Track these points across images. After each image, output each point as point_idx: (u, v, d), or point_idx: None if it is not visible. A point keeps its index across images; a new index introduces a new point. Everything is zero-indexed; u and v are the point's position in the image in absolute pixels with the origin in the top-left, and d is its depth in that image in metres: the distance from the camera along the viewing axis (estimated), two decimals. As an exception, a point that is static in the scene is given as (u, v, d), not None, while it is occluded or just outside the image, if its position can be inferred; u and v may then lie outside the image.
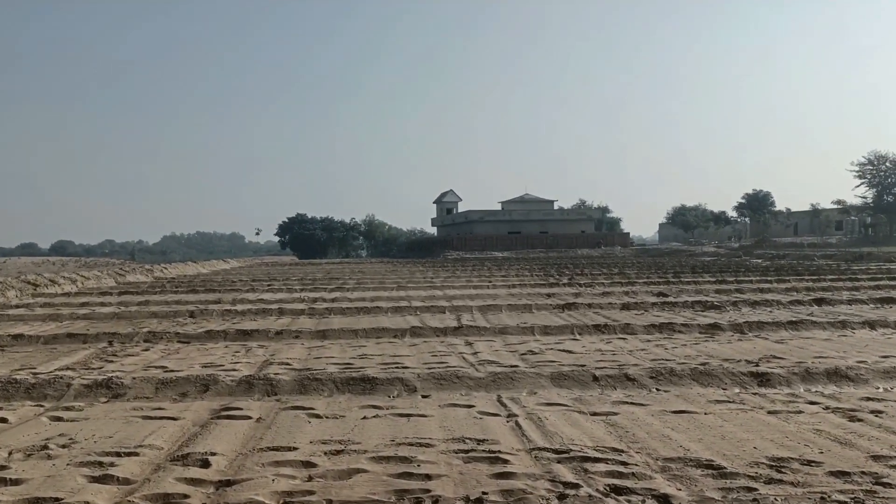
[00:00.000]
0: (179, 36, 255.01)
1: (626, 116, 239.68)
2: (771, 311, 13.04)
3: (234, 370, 7.58)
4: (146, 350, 9.34)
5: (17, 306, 16.50)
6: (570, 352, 8.57)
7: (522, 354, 8.43)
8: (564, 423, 5.25)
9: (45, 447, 4.71)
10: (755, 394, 6.16)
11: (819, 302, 14.24)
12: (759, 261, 42.01)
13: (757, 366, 7.28)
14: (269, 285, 23.98)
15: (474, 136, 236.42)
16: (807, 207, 79.87)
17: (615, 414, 5.51)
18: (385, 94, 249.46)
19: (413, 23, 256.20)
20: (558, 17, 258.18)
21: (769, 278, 22.47)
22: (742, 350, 8.50)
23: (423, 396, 6.29)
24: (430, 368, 7.48)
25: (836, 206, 66.00)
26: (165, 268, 36.21)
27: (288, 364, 7.98)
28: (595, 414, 5.52)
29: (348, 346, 9.49)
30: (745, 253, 53.39)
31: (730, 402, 5.86)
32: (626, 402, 5.88)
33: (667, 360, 7.82)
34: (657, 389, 6.39)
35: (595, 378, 6.66)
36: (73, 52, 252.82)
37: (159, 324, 12.48)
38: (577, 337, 9.94)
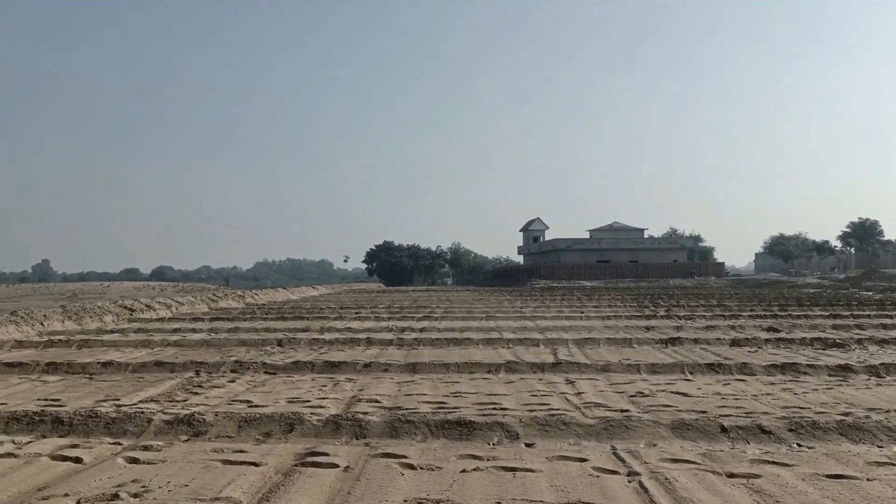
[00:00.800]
0: (261, 63, 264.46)
1: (718, 144, 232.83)
2: (904, 352, 11.75)
3: (321, 407, 7.10)
4: (232, 381, 9.01)
5: (112, 331, 16.71)
6: (685, 394, 7.72)
7: (631, 396, 7.64)
8: (698, 487, 4.48)
9: (116, 496, 4.29)
10: (922, 455, 5.21)
11: (959, 341, 12.79)
12: (870, 293, 39.33)
13: (911, 419, 6.28)
14: (356, 313, 23.77)
15: (562, 163, 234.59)
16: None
17: (757, 476, 4.69)
18: (473, 119, 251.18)
19: (500, 48, 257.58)
20: (651, 42, 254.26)
21: (890, 313, 20.71)
22: (887, 397, 7.45)
23: (527, 445, 5.62)
24: (531, 410, 6.80)
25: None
26: (256, 294, 36.73)
27: (377, 401, 7.46)
28: (732, 475, 4.72)
29: (440, 381, 8.91)
30: (852, 285, 50.28)
31: (892, 464, 4.94)
32: (767, 461, 5.04)
33: (801, 407, 6.89)
34: (799, 445, 5.51)
35: (723, 429, 5.83)
36: (172, 79, 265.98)
37: (247, 352, 12.24)
38: (690, 377, 9.05)
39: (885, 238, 71.20)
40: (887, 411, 6.63)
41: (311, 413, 6.57)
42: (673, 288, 54.01)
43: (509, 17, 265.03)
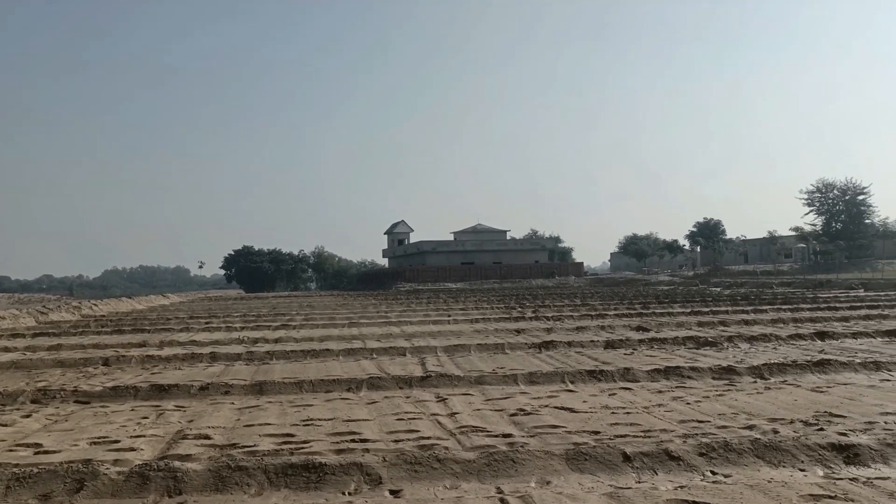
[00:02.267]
0: (110, 71, 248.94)
1: (575, 147, 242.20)
2: (776, 349, 11.54)
3: (132, 450, 5.60)
4: (28, 416, 7.26)
5: None
6: (571, 410, 6.81)
7: (512, 415, 6.64)
8: (614, 548, 3.46)
9: None
10: (853, 479, 4.47)
11: (822, 336, 12.81)
12: (718, 289, 41.17)
13: (821, 429, 5.63)
14: (206, 323, 21.75)
15: (425, 166, 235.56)
16: (755, 236, 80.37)
17: (682, 525, 3.74)
18: (332, 122, 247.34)
19: (357, 50, 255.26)
20: (505, 48, 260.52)
21: (745, 308, 21.20)
22: (782, 403, 6.85)
23: (393, 493, 4.45)
24: (397, 441, 5.64)
25: (793, 234, 66.18)
26: (96, 304, 33.47)
27: (207, 437, 6.03)
28: (652, 525, 3.75)
29: (290, 405, 7.56)
30: (701, 281, 52.75)
31: (830, 496, 4.14)
32: (687, 501, 4.11)
33: (699, 421, 6.12)
34: (713, 473, 4.66)
35: (626, 457, 4.89)
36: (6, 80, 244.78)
37: (62, 376, 10.34)
38: (572, 387, 8.19)
39: (727, 237, 75.79)
40: (791, 422, 5.97)
41: (115, 461, 5.09)
42: (536, 288, 54.64)
43: (361, 18, 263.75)
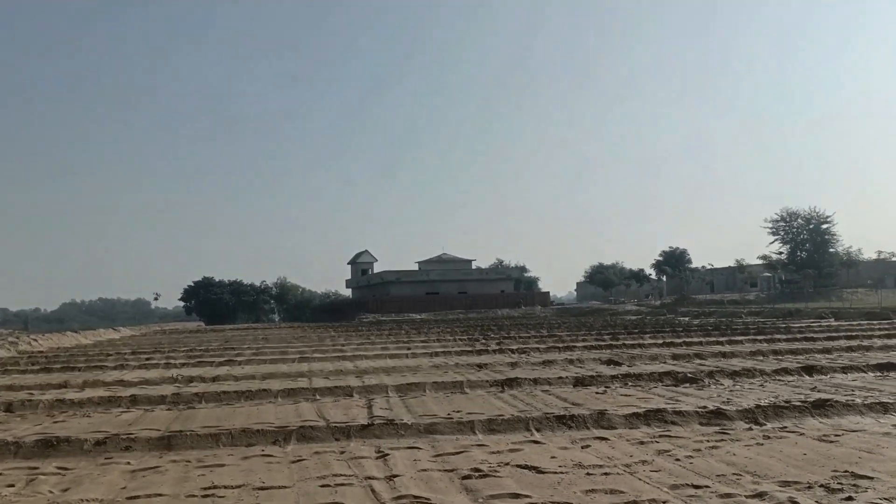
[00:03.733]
0: (64, 94, 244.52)
1: (537, 176, 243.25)
2: (762, 386, 10.46)
3: (-39, 539, 4.25)
4: None
5: None
6: (537, 470, 5.58)
7: (465, 478, 5.39)
8: None
9: None
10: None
11: (809, 370, 11.79)
12: (687, 319, 40.45)
13: (849, 498, 4.49)
14: (147, 359, 20.17)
15: (389, 195, 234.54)
16: (720, 264, 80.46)
17: None
18: (293, 150, 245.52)
19: (322, 82, 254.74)
20: (466, 78, 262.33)
21: (719, 339, 20.24)
22: (790, 459, 5.70)
23: None
24: (313, 521, 4.36)
25: (761, 262, 66.13)
26: (35, 339, 31.47)
27: (71, 517, 4.69)
28: None
29: (197, 465, 6.22)
30: (668, 311, 52.11)
31: None
32: None
33: (695, 485, 4.94)
34: (727, 570, 3.46)
35: (610, 548, 3.67)
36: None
37: (-55, 426, 8.84)
38: (538, 436, 6.97)
39: (693, 266, 75.77)
40: (808, 486, 4.82)
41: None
42: (502, 318, 53.54)
43: (323, 48, 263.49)
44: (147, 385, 13.12)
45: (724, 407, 8.05)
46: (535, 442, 6.70)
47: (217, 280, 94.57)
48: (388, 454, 6.32)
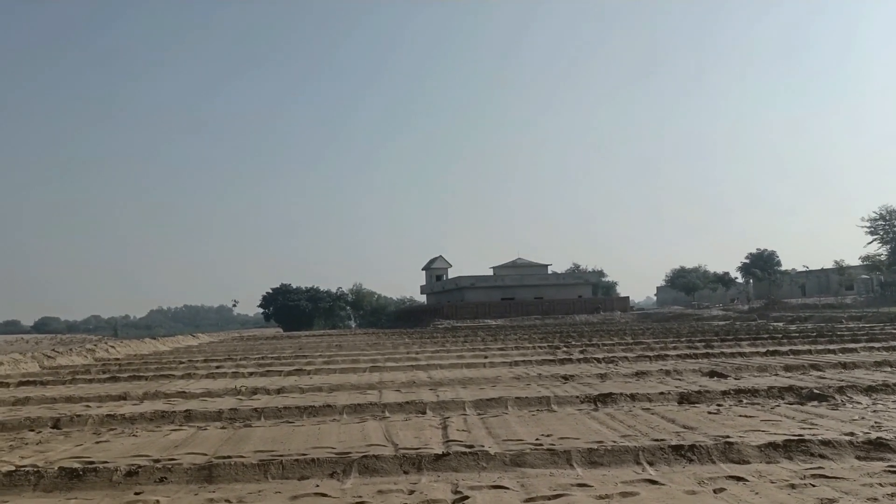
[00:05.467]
0: (153, 117, 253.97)
1: (613, 178, 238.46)
2: (910, 404, 8.79)
3: None
4: None
5: None
6: (663, 526, 4.26)
7: (569, 537, 4.11)
8: None
9: None
10: None
11: (962, 385, 9.98)
12: (781, 324, 37.84)
13: None
14: (217, 367, 19.57)
15: (463, 200, 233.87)
16: (805, 267, 76.14)
17: None
18: (366, 157, 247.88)
19: (389, 83, 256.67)
20: (540, 74, 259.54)
21: (829, 347, 18.22)
22: None
23: None
24: None
25: (863, 263, 61.94)
26: (114, 346, 31.62)
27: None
28: None
29: (237, 502, 5.15)
30: (759, 316, 49.22)
31: None
32: None
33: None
34: None
35: None
36: (45, 120, 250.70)
37: (-17, 445, 8.09)
38: (653, 473, 5.61)
39: (783, 269, 71.82)
40: None
41: None
42: (580, 324, 51.65)
43: (391, 50, 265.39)
44: (208, 398, 12.29)
45: (883, 435, 6.48)
46: (651, 482, 5.34)
47: (294, 287, 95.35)
48: (467, 496, 5.09)
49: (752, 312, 53.97)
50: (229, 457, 6.86)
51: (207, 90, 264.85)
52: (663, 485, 5.23)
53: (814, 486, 5.03)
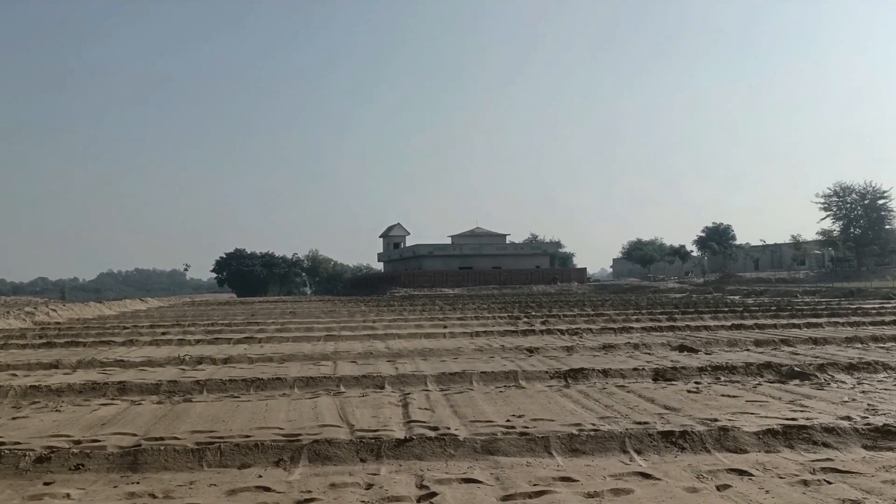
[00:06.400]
0: (100, 65, 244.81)
1: (573, 148, 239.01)
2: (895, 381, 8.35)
3: None
4: None
5: None
6: (668, 535, 3.60)
7: (560, 549, 3.42)
8: None
9: None
10: None
11: (943, 364, 9.60)
12: (737, 297, 37.98)
13: None
14: (163, 334, 18.53)
15: (422, 168, 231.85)
16: (757, 242, 77.03)
17: None
18: (327, 123, 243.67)
19: (353, 52, 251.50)
20: (503, 46, 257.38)
21: (793, 322, 17.96)
22: None
23: None
24: None
25: (820, 238, 62.64)
26: (55, 310, 30.18)
27: None
28: None
29: (163, 498, 4.36)
30: (714, 289, 49.50)
31: None
32: None
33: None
34: None
35: None
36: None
37: None
38: (643, 465, 4.97)
39: (737, 243, 72.50)
40: None
41: None
42: (538, 294, 51.45)
43: (355, 18, 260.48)
44: (148, 367, 11.38)
45: (891, 422, 5.93)
46: (644, 475, 4.69)
47: (249, 252, 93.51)
48: (434, 493, 4.37)
49: (707, 286, 54.29)
50: (161, 438, 6.04)
51: (162, 52, 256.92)
52: (658, 479, 4.59)
53: (829, 482, 4.43)
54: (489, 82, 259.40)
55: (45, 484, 4.80)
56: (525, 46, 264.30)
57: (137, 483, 4.78)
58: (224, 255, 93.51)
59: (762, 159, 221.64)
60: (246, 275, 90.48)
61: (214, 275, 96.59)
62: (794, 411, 6.70)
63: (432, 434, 5.86)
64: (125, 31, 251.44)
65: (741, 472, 4.69)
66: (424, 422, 6.54)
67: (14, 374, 10.73)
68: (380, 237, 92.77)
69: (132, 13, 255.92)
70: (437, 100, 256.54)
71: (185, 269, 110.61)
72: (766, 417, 6.43)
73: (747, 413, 6.68)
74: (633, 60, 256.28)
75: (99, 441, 5.99)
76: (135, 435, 6.24)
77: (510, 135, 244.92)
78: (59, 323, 25.93)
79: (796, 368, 9.23)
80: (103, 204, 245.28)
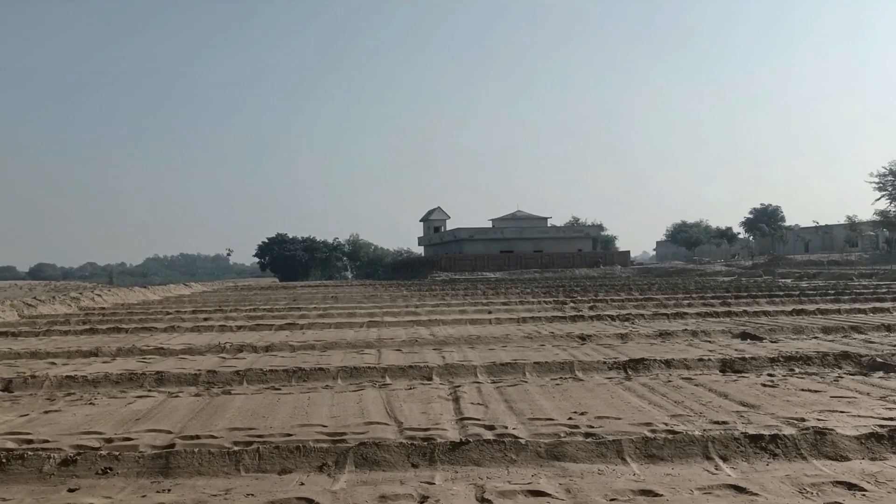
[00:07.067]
0: (146, 55, 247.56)
1: (614, 131, 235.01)
2: None
3: None
4: None
5: None
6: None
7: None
8: None
9: None
10: None
11: None
12: (789, 281, 36.71)
13: None
14: (205, 319, 18.36)
15: (462, 151, 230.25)
16: (813, 223, 74.72)
17: None
18: (367, 108, 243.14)
19: (393, 36, 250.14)
20: (550, 28, 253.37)
21: (859, 307, 17.01)
22: None
23: None
24: None
25: (878, 219, 60.43)
26: (100, 295, 30.35)
27: None
28: None
29: (195, 514, 3.92)
30: (764, 272, 48.06)
31: None
32: None
33: None
34: None
35: None
36: (42, 71, 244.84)
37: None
38: (732, 474, 4.38)
39: (787, 224, 70.47)
40: None
41: None
42: (582, 278, 50.49)
43: (396, 10, 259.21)
44: (188, 355, 11.05)
45: None
46: (737, 488, 4.10)
47: (291, 237, 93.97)
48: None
49: (756, 268, 52.80)
50: (197, 437, 5.62)
51: (216, 44, 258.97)
52: (755, 494, 3.99)
53: (961, 501, 3.79)
54: (530, 65, 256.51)
55: (70, 491, 4.39)
56: (567, 24, 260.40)
57: (168, 491, 4.35)
58: (266, 240, 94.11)
59: (805, 140, 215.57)
60: (288, 259, 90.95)
61: (257, 259, 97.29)
62: (890, 409, 6.02)
63: (489, 435, 5.33)
64: (166, 31, 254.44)
65: (850, 486, 4.08)
66: (478, 419, 6.02)
67: (53, 363, 10.49)
68: (420, 221, 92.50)
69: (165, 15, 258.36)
70: (475, 85, 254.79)
71: (228, 254, 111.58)
72: (859, 417, 5.77)
73: (836, 411, 6.02)
74: (677, 36, 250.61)
75: (131, 439, 5.59)
76: (170, 432, 5.84)
77: (549, 118, 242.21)
78: (103, 308, 26.02)
79: (878, 359, 8.49)
80: (149, 191, 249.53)
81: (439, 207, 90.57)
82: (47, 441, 5.63)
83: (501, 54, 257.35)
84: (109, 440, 5.63)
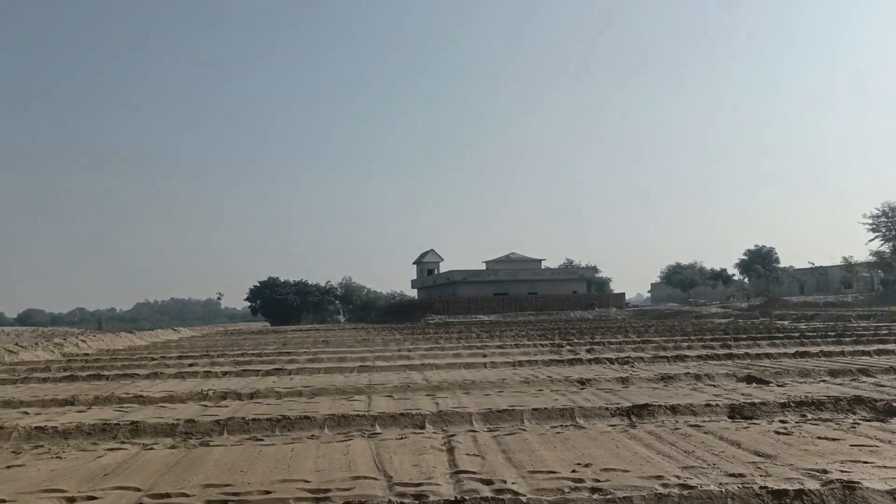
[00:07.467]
0: (138, 97, 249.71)
1: (608, 175, 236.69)
2: None
3: None
4: None
5: None
6: None
7: None
8: None
9: None
10: None
11: None
12: (787, 322, 36.34)
13: None
14: (190, 365, 17.82)
15: (455, 194, 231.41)
16: (808, 264, 74.63)
17: None
18: (358, 150, 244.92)
19: (383, 77, 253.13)
20: (537, 71, 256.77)
21: (863, 349, 16.62)
22: None
23: None
24: None
25: (873, 259, 60.11)
26: (84, 341, 29.72)
27: None
28: None
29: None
30: (761, 314, 47.72)
31: None
32: None
33: None
34: None
35: None
36: (35, 111, 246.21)
37: None
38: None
39: (781, 265, 70.31)
40: None
41: None
42: (577, 321, 50.08)
43: (391, 42, 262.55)
44: (168, 403, 10.54)
45: None
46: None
47: (282, 280, 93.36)
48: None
49: (752, 310, 52.48)
50: (168, 495, 5.15)
51: (205, 87, 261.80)
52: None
53: None
54: (519, 105, 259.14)
55: (17, 560, 3.91)
56: (556, 69, 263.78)
57: (128, 560, 3.87)
58: (258, 284, 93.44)
59: (803, 181, 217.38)
60: (279, 303, 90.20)
61: (248, 303, 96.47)
62: (918, 460, 5.59)
63: (487, 491, 4.88)
64: (175, 57, 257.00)
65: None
66: (475, 472, 5.56)
67: (26, 412, 9.98)
68: (413, 264, 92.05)
69: (179, 44, 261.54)
70: (467, 124, 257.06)
71: (219, 298, 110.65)
72: (885, 468, 5.34)
73: (859, 462, 5.59)
74: (668, 79, 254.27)
75: (95, 498, 5.11)
76: (138, 489, 5.35)
77: (542, 158, 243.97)
78: (87, 354, 25.41)
79: (894, 404, 8.07)
80: (139, 233, 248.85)
81: (433, 250, 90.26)
82: (3, 501, 5.14)
83: (495, 94, 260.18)
84: (72, 499, 5.15)
